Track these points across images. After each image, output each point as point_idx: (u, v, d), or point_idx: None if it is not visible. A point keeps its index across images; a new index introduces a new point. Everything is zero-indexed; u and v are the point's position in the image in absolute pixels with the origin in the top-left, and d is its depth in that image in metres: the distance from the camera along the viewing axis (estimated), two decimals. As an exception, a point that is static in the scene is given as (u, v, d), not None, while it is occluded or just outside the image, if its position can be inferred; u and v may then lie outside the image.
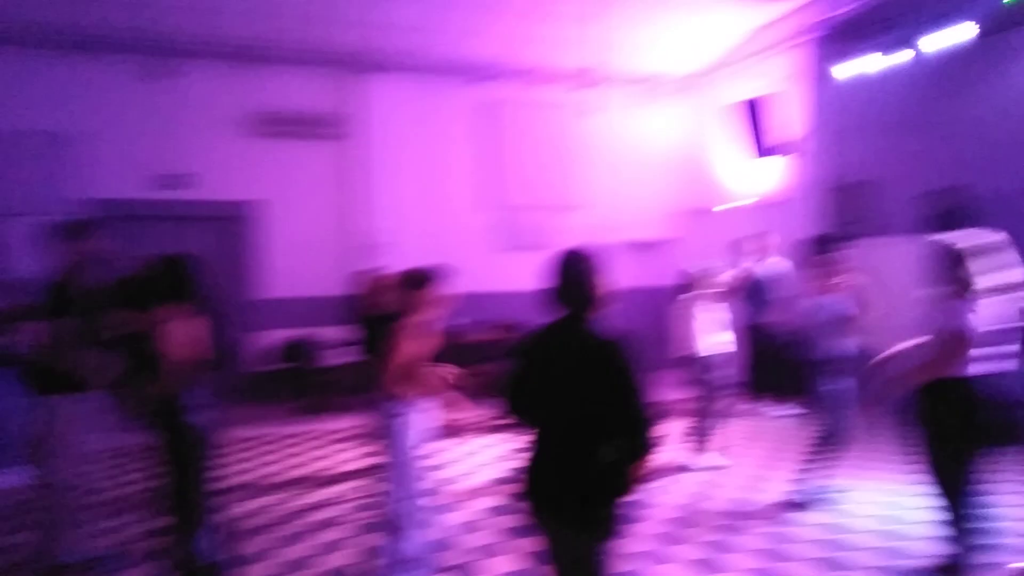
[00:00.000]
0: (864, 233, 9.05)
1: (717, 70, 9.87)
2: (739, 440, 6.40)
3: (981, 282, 3.22)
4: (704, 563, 3.87)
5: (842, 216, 9.30)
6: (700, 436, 5.74)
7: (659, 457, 5.31)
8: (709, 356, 5.72)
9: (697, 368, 5.72)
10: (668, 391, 7.90)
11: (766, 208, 8.86)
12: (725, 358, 5.84)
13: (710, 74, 10.04)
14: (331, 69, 8.95)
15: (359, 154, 9.07)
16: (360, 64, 8.93)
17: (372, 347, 5.31)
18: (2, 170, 7.81)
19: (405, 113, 9.33)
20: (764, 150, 8.78)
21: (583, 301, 2.35)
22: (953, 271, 3.25)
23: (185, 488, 3.28)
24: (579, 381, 2.27)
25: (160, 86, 8.36)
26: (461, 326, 8.04)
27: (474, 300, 9.38)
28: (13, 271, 7.45)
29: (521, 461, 2.46)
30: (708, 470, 5.59)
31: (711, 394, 5.75)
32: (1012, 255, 3.27)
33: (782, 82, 8.69)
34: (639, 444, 2.24)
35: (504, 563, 3.92)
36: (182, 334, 3.20)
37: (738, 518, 4.50)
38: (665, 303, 9.50)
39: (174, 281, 3.33)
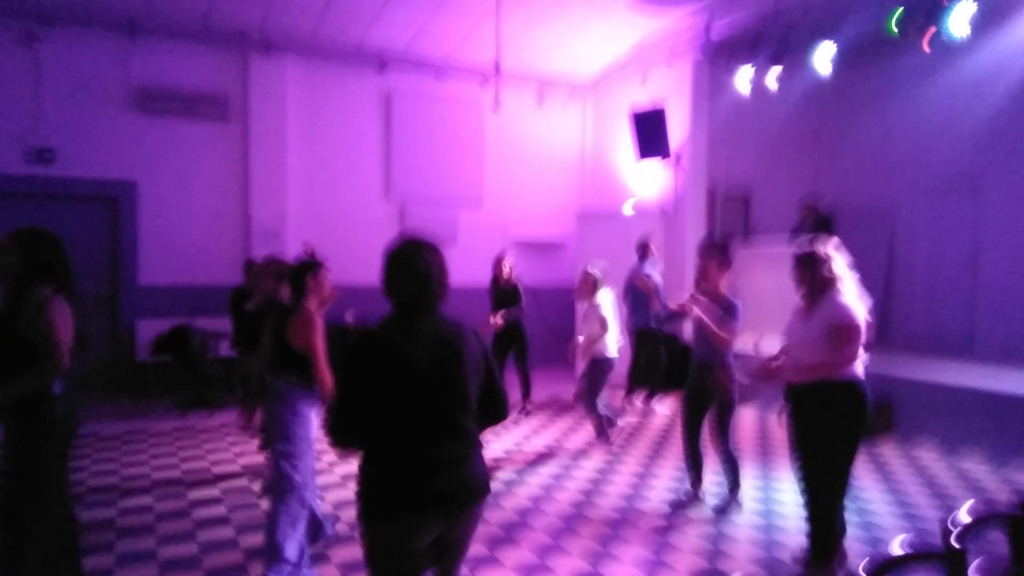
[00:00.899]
0: (744, 238, 9.68)
1: (613, 76, 10.22)
2: (624, 439, 6.66)
3: (847, 281, 3.55)
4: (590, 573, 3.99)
5: (722, 225, 9.90)
6: (603, 430, 6.11)
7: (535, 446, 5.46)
8: (612, 356, 6.02)
9: (603, 367, 5.97)
10: (564, 386, 8.10)
11: (654, 215, 9.25)
12: (618, 358, 6.14)
13: (607, 80, 10.37)
14: (226, 46, 8.55)
15: (251, 136, 8.71)
16: (258, 43, 8.59)
17: (250, 337, 5.17)
18: None
19: (303, 97, 9.07)
20: (654, 155, 9.16)
21: (433, 293, 2.34)
22: (825, 270, 3.54)
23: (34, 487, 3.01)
24: (448, 369, 2.27)
25: (31, 52, 7.72)
26: (353, 318, 7.90)
27: (369, 293, 9.28)
28: None
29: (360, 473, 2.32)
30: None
31: (601, 391, 6.06)
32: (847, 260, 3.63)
33: (672, 91, 9.10)
34: (500, 414, 2.46)
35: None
36: (60, 317, 2.96)
37: (622, 525, 4.51)
38: (560, 303, 9.82)
39: (47, 258, 3.06)
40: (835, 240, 3.69)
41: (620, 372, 8.50)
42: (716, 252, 4.62)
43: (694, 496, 4.81)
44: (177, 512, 4.58)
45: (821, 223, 8.68)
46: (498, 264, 7.35)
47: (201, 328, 7.71)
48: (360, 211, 9.43)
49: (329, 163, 9.29)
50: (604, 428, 6.16)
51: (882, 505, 4.83)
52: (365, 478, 2.27)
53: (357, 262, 9.27)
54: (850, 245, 9.18)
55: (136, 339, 8.18)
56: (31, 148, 7.76)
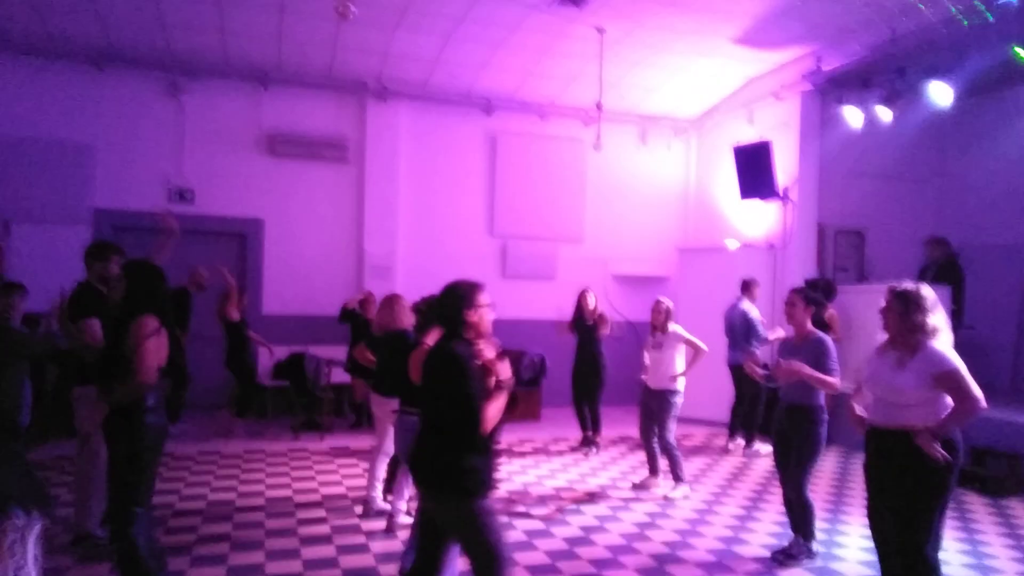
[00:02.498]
0: (853, 279, 9.26)
1: (717, 114, 10.14)
2: (724, 479, 6.48)
3: (943, 330, 3.34)
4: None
5: (834, 261, 9.50)
6: (675, 467, 5.87)
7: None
8: (679, 391, 5.90)
9: (673, 401, 5.87)
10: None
11: (759, 250, 9.04)
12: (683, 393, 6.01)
13: (710, 117, 10.30)
14: (345, 94, 9.20)
15: (367, 177, 9.27)
16: (374, 90, 9.17)
17: (366, 365, 5.49)
18: (22, 177, 8.04)
19: (415, 140, 9.57)
20: (758, 192, 8.98)
21: (453, 325, 2.90)
22: (927, 317, 3.34)
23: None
24: (436, 385, 2.87)
25: (177, 102, 8.60)
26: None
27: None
28: (22, 274, 7.61)
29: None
30: (675, 500, 5.73)
31: (671, 426, 5.91)
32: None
33: (778, 128, 8.93)
34: (472, 439, 2.78)
35: None
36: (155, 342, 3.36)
37: (718, 568, 4.41)
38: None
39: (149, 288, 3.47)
40: (931, 292, 3.44)
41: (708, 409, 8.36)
42: (802, 292, 4.63)
43: (805, 546, 4.59)
44: (286, 529, 4.87)
45: (949, 261, 8.21)
46: (581, 299, 7.41)
47: (315, 355, 8.18)
48: (465, 246, 9.76)
49: (437, 201, 9.71)
50: (679, 463, 5.92)
51: (1005, 562, 4.46)
52: (473, 464, 2.79)
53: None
54: (978, 285, 8.67)
55: (258, 364, 8.78)
56: (174, 188, 8.61)
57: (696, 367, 5.96)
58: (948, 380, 3.21)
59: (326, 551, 4.48)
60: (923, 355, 3.29)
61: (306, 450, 7.16)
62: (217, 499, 5.50)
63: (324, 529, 4.88)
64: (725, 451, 7.56)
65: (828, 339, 4.40)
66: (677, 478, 5.86)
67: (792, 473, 4.45)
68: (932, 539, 3.31)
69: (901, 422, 3.28)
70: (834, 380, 4.27)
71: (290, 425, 8.04)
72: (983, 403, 3.17)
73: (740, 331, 7.39)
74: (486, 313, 2.94)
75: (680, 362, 5.91)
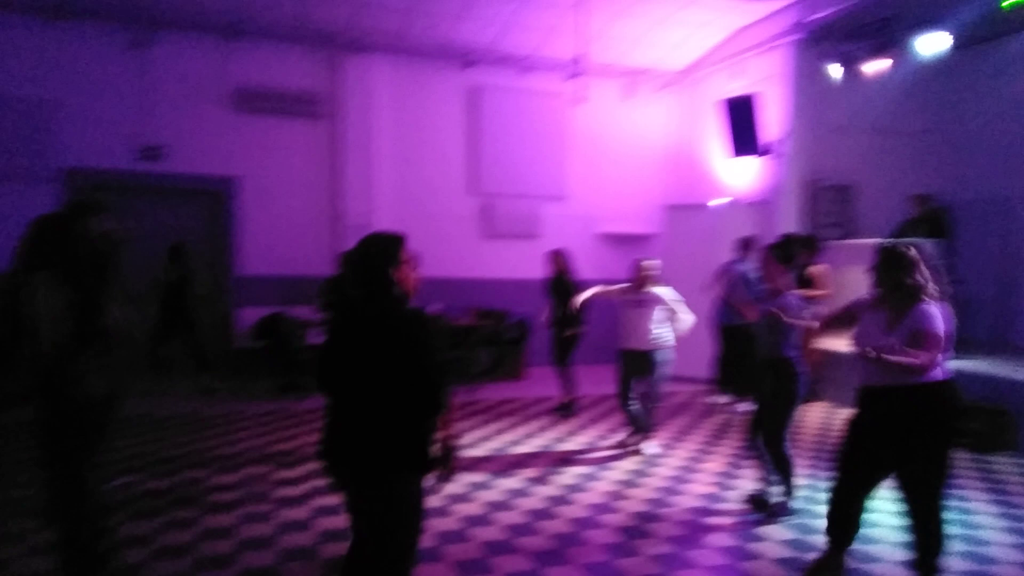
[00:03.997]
0: (841, 235, 9.14)
1: (703, 67, 9.88)
2: (706, 436, 6.43)
3: (930, 288, 3.25)
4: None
5: (820, 217, 9.37)
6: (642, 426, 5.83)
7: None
8: (664, 350, 5.78)
9: (661, 360, 5.78)
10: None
11: (746, 207, 8.89)
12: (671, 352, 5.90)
13: (696, 71, 10.04)
14: (318, 47, 8.86)
15: (348, 134, 8.99)
16: (348, 43, 8.84)
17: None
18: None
19: (391, 94, 9.27)
20: (746, 148, 8.79)
21: (377, 285, 2.55)
22: (914, 275, 3.25)
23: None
24: (385, 352, 2.49)
25: (143, 56, 8.26)
26: (439, 311, 8.01)
27: (456, 285, 9.40)
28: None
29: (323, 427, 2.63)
30: (651, 457, 5.70)
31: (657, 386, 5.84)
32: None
33: (765, 81, 8.70)
34: (436, 404, 2.52)
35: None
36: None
37: (698, 526, 4.38)
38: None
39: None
40: (922, 249, 3.36)
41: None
42: (774, 249, 4.47)
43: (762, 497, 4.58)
44: (260, 493, 4.76)
45: (935, 216, 8.10)
46: (554, 259, 7.25)
47: (293, 316, 8.01)
48: (445, 205, 9.55)
49: (416, 158, 9.45)
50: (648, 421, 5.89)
51: (989, 519, 4.43)
52: (423, 437, 2.55)
53: (443, 255, 9.45)
54: (965, 240, 8.57)
55: (236, 326, 8.61)
56: (141, 146, 8.30)
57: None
58: (917, 338, 3.16)
59: (299, 513, 4.38)
60: (911, 313, 3.21)
61: (284, 412, 7.03)
62: (194, 460, 5.38)
63: (297, 491, 4.78)
64: (711, 408, 7.51)
65: (789, 296, 4.31)
66: (646, 433, 5.85)
67: (768, 427, 4.39)
68: (942, 493, 3.29)
69: (900, 380, 3.21)
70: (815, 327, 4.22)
71: (273, 387, 7.90)
72: (924, 369, 3.15)
73: (740, 291, 7.27)
74: (410, 270, 2.65)
75: (660, 322, 5.78)
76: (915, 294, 3.24)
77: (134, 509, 4.32)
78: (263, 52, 8.69)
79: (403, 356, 2.48)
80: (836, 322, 3.76)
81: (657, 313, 5.76)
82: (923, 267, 3.26)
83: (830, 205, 9.44)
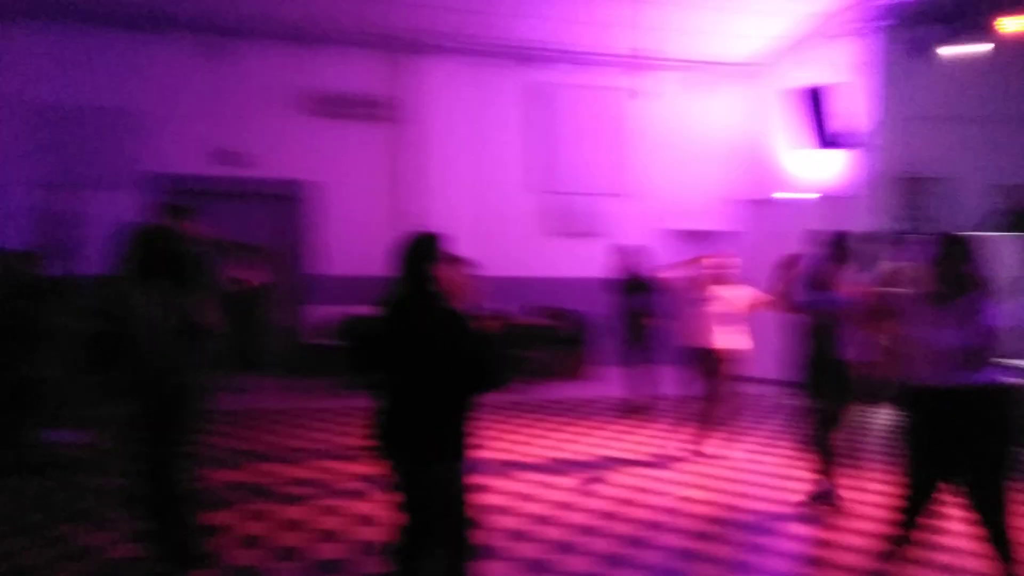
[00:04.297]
0: (931, 229, 8.71)
1: (774, 56, 9.59)
2: (774, 435, 6.27)
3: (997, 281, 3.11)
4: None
5: (908, 211, 8.94)
6: (707, 425, 5.72)
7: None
8: (727, 350, 5.65)
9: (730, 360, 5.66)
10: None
11: (827, 201, 8.58)
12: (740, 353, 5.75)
13: (766, 60, 9.76)
14: (385, 51, 9.05)
15: (411, 136, 9.16)
16: (414, 46, 8.99)
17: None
18: (72, 145, 8.21)
19: (458, 95, 9.38)
20: (827, 140, 8.48)
21: (419, 278, 2.72)
22: (979, 268, 3.10)
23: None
24: (425, 342, 2.66)
25: (220, 65, 8.61)
26: (506, 311, 8.06)
27: (518, 284, 9.43)
28: (82, 240, 7.86)
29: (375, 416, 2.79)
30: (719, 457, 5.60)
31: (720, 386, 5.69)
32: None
33: (847, 70, 8.37)
34: (490, 378, 2.69)
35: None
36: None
37: (766, 520, 4.37)
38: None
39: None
40: (983, 242, 3.21)
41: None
42: (833, 248, 4.48)
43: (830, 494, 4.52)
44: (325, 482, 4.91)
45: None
46: (624, 256, 7.17)
47: (360, 315, 8.20)
48: (507, 203, 9.60)
49: (477, 157, 9.54)
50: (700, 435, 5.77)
51: None
52: (463, 426, 2.73)
53: (504, 254, 9.50)
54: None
55: (307, 324, 8.90)
56: (220, 151, 8.66)
57: (761, 326, 5.73)
58: (985, 333, 3.05)
59: (368, 508, 4.51)
60: (977, 307, 3.09)
61: (352, 407, 7.21)
62: (257, 452, 5.59)
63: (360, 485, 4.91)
64: (782, 408, 7.31)
65: (846, 293, 4.27)
66: (711, 432, 5.72)
67: (820, 425, 4.42)
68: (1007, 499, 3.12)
69: (960, 380, 3.06)
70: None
71: (337, 383, 8.11)
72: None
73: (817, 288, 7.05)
74: (450, 268, 2.83)
75: (728, 321, 5.65)
76: (980, 286, 3.09)
77: (213, 499, 4.53)
78: (331, 57, 8.93)
79: (442, 346, 2.64)
80: (875, 316, 3.64)
81: (724, 311, 5.64)
82: (983, 259, 3.13)
83: (913, 198, 9.01)
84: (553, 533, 4.14)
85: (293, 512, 4.42)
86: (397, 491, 2.81)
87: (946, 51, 7.44)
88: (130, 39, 8.31)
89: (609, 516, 4.41)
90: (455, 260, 2.89)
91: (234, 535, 4.05)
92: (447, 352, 2.64)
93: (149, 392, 3.36)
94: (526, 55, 9.36)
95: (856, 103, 8.27)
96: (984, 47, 7.38)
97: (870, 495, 4.65)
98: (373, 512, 4.41)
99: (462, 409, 2.71)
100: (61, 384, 5.72)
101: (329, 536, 4.08)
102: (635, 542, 4.02)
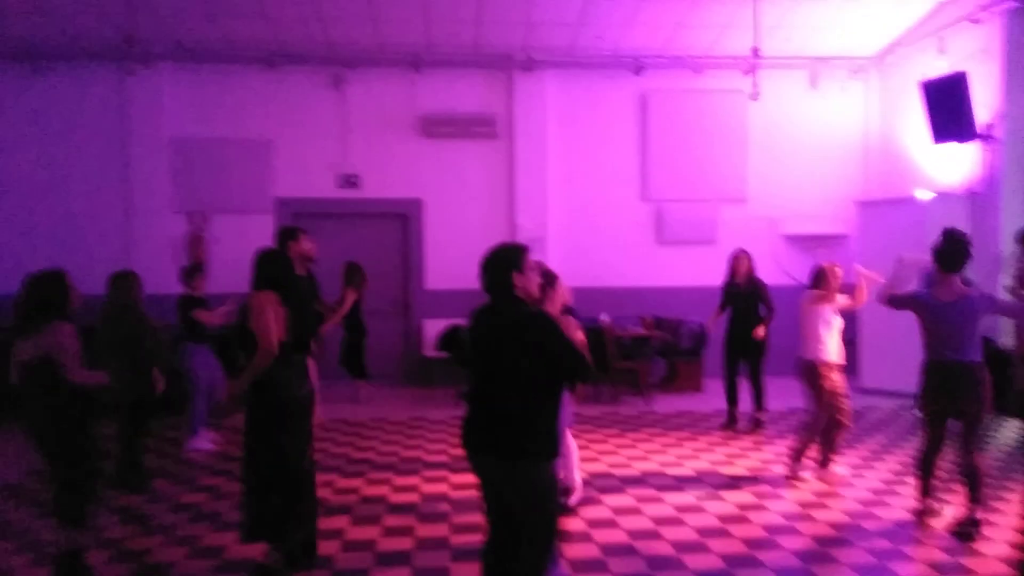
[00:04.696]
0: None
1: (899, 48, 8.98)
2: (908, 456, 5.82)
3: None
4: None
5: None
6: (827, 448, 5.31)
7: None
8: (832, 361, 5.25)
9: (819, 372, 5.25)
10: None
11: (957, 199, 7.94)
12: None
13: (891, 53, 9.16)
14: (493, 69, 9.27)
15: (517, 151, 9.32)
16: (521, 63, 9.15)
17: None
18: (216, 173, 9.02)
19: (563, 108, 9.45)
20: (953, 134, 7.84)
21: (504, 286, 2.84)
22: None
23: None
24: (514, 347, 2.76)
25: (340, 93, 9.14)
26: (609, 321, 7.99)
27: (630, 294, 9.34)
28: (222, 261, 8.58)
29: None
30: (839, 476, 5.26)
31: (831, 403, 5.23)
32: None
33: (974, 58, 7.72)
34: (580, 373, 2.78)
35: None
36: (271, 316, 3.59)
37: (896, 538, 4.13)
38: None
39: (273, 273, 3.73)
40: None
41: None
42: (944, 248, 4.15)
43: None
44: (438, 494, 5.06)
45: None
46: (734, 262, 6.91)
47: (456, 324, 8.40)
48: (618, 213, 9.54)
49: (589, 168, 9.54)
50: (799, 453, 5.31)
51: None
52: (549, 426, 2.79)
53: (617, 263, 9.45)
54: None
55: (423, 337, 9.22)
56: (341, 175, 9.19)
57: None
58: None
59: (473, 518, 4.60)
60: None
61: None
62: (381, 462, 5.85)
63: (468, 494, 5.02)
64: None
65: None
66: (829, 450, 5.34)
67: (963, 440, 4.17)
68: None
69: None
70: None
71: (455, 393, 8.35)
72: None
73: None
74: (533, 276, 2.98)
75: (832, 332, 5.28)
76: None
77: (327, 506, 4.79)
78: (444, 79, 9.25)
79: (530, 349, 2.74)
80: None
81: (829, 318, 5.29)
82: None
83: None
84: (657, 548, 4.07)
85: (399, 520, 4.60)
86: (484, 491, 2.93)
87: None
88: (263, 73, 8.98)
89: (716, 533, 4.28)
90: (540, 269, 3.04)
91: (344, 539, 4.27)
92: (530, 350, 2.73)
93: (261, 401, 3.63)
94: (640, 63, 9.28)
95: (991, 93, 7.59)
96: None
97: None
98: (475, 522, 4.51)
99: (546, 408, 2.79)
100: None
101: (433, 544, 4.21)
102: (742, 562, 3.88)
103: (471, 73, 9.31)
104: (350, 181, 9.23)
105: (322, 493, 4.97)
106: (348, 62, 9.03)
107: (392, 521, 4.57)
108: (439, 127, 9.25)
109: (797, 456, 5.31)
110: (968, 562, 3.82)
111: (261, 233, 8.59)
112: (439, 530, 4.41)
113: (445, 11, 8.12)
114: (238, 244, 8.55)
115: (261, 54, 8.85)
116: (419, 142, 9.30)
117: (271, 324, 3.55)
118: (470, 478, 5.32)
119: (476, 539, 4.20)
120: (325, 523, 4.36)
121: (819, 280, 5.32)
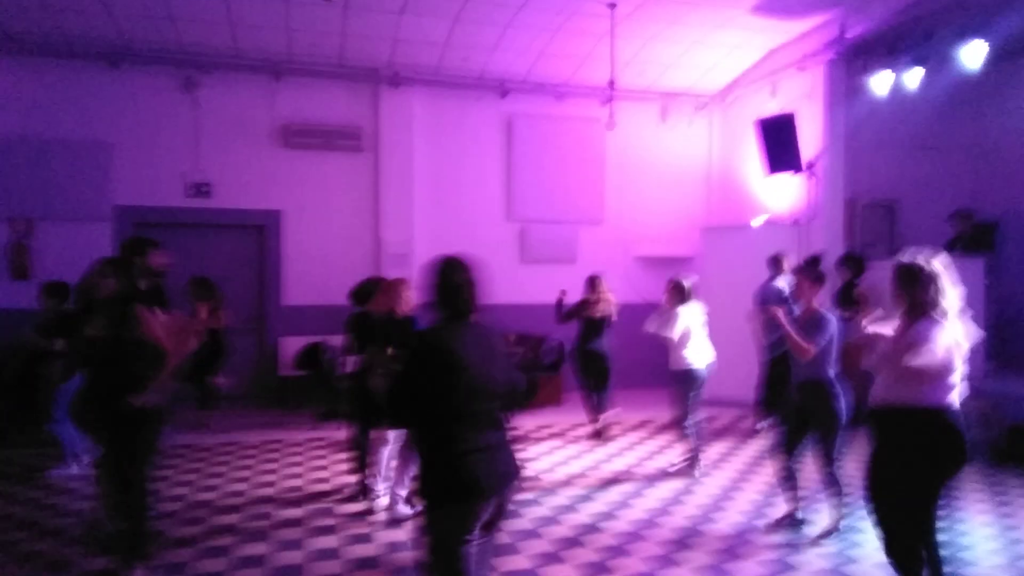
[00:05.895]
0: (885, 253, 8.91)
1: (738, 88, 9.83)
2: (749, 460, 6.32)
3: (949, 303, 3.17)
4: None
5: (863, 235, 9.16)
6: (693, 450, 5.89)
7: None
8: (693, 368, 5.79)
9: (682, 380, 5.80)
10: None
11: (786, 227, 8.76)
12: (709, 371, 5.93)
13: (731, 92, 10.00)
14: (360, 82, 9.14)
15: (383, 165, 9.22)
16: (387, 77, 9.09)
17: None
18: (44, 177, 8.18)
19: (430, 125, 9.47)
20: (783, 167, 8.69)
21: (457, 303, 2.72)
22: (929, 290, 3.17)
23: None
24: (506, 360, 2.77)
25: (193, 97, 8.65)
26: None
27: (494, 311, 9.46)
28: (49, 273, 7.78)
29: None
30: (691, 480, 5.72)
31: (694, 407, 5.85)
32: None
33: (802, 100, 8.61)
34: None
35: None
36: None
37: (738, 542, 4.45)
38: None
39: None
40: (943, 256, 3.28)
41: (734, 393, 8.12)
42: (808, 269, 4.79)
43: (793, 518, 4.66)
44: (292, 520, 4.88)
45: (979, 232, 7.86)
46: (590, 285, 7.28)
47: (333, 345, 8.19)
48: (483, 231, 9.66)
49: (453, 187, 9.62)
50: (693, 456, 5.91)
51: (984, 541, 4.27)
52: (434, 467, 2.57)
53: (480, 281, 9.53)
54: (1012, 256, 8.26)
55: (279, 355, 8.85)
56: (191, 183, 8.67)
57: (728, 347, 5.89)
58: (906, 347, 3.11)
59: (329, 541, 4.47)
60: (914, 326, 3.16)
61: (324, 439, 7.18)
62: (229, 490, 5.54)
63: (329, 520, 4.88)
64: (753, 432, 7.38)
65: (826, 315, 4.39)
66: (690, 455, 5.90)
67: (817, 450, 4.47)
68: (917, 526, 3.23)
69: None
70: (805, 345, 4.30)
71: (312, 414, 8.07)
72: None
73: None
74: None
75: (692, 341, 5.77)
76: (925, 309, 3.16)
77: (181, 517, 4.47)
78: (306, 89, 9.00)
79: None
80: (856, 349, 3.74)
81: (686, 331, 5.76)
82: (941, 283, 3.17)
83: (873, 223, 9.23)
84: (539, 546, 4.14)
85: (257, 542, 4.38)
86: (485, 525, 2.65)
87: (899, 80, 7.67)
88: (106, 72, 8.30)
89: (592, 530, 4.42)
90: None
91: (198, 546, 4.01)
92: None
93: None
94: (505, 87, 9.51)
95: (815, 131, 8.48)
96: (931, 75, 7.62)
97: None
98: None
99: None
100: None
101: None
102: (616, 552, 4.03)
103: (336, 84, 9.13)
104: (201, 190, 8.73)
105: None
106: (202, 65, 8.57)
107: (242, 551, 4.34)
108: (301, 137, 8.97)
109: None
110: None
111: (95, 242, 7.94)
112: (293, 557, 4.24)
113: (309, 21, 7.92)
114: (68, 254, 7.87)
115: (103, 50, 8.20)
116: (279, 152, 8.97)
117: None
118: (320, 504, 5.19)
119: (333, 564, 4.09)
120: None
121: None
